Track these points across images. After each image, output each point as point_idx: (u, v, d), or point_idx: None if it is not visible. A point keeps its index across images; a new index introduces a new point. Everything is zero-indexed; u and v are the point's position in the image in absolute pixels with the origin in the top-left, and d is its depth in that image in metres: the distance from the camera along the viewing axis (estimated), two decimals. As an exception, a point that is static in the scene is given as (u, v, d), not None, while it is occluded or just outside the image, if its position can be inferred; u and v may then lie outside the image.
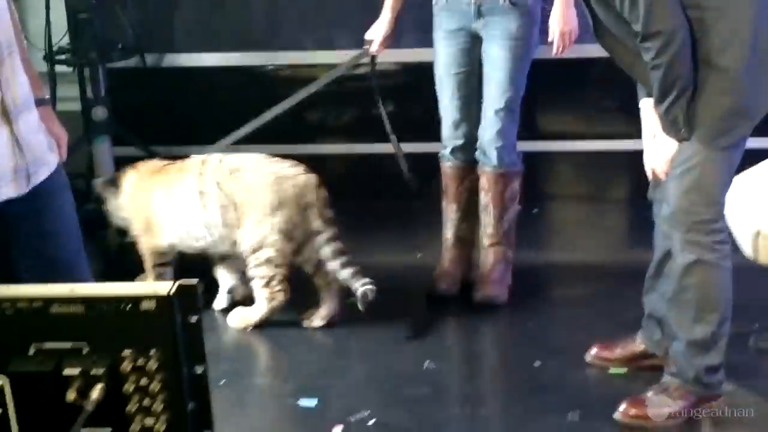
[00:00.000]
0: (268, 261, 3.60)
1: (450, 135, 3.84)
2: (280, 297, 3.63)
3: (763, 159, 3.35)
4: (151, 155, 4.59)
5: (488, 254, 3.86)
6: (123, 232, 3.91)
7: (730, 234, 2.96)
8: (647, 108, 2.93)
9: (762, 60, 2.73)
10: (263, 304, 3.65)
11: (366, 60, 3.99)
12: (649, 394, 3.04)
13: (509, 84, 3.67)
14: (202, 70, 4.89)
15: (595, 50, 4.26)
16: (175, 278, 1.55)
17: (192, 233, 3.70)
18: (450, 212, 3.91)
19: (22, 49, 2.37)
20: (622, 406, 3.03)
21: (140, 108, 4.80)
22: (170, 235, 3.75)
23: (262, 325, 3.69)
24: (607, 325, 3.57)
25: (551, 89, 4.42)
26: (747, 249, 3.08)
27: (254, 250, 3.60)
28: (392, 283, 4.01)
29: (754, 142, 2.91)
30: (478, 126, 3.76)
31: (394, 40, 3.91)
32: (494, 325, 3.78)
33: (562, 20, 3.67)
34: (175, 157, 4.59)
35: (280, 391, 3.38)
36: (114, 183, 3.87)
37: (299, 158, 3.82)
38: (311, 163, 3.91)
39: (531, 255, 4.13)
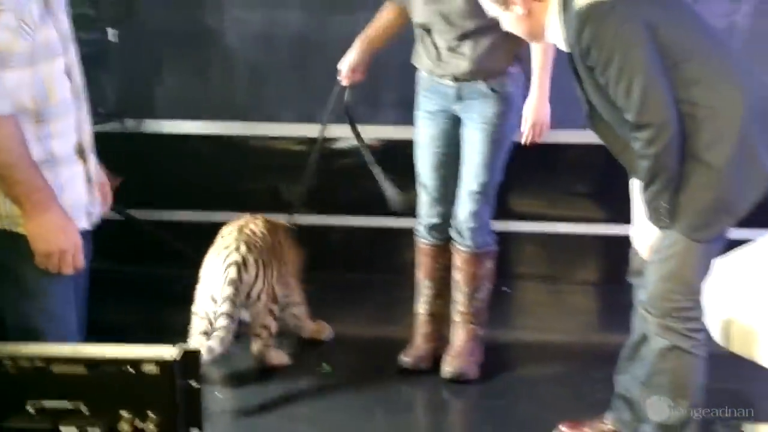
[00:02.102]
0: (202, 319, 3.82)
1: (426, 213, 3.90)
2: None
3: (736, 248, 3.43)
4: (127, 218, 4.62)
5: (459, 331, 3.90)
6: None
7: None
8: (638, 189, 2.98)
9: (748, 159, 2.79)
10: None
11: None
12: (617, 474, 3.07)
13: (483, 168, 3.71)
14: (180, 137, 4.94)
15: (569, 136, 4.42)
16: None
17: None
18: (424, 287, 3.96)
19: None
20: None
21: (118, 172, 4.82)
22: None
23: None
24: (576, 405, 3.61)
25: (525, 171, 4.50)
26: (718, 336, 3.15)
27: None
28: (365, 355, 4.07)
29: (732, 234, 2.96)
30: (454, 205, 3.82)
31: (365, 73, 3.92)
32: (464, 401, 3.81)
33: (535, 112, 3.73)
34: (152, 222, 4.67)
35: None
36: None
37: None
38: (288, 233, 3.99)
39: (501, 333, 4.19)
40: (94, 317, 4.05)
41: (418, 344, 3.94)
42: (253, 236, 3.91)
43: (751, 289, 3.25)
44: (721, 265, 3.17)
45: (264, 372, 3.72)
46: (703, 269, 2.92)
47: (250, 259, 3.81)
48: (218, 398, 3.70)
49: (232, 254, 3.80)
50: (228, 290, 3.73)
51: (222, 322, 3.68)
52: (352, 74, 3.91)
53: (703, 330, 2.97)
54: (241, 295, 3.76)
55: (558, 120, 3.86)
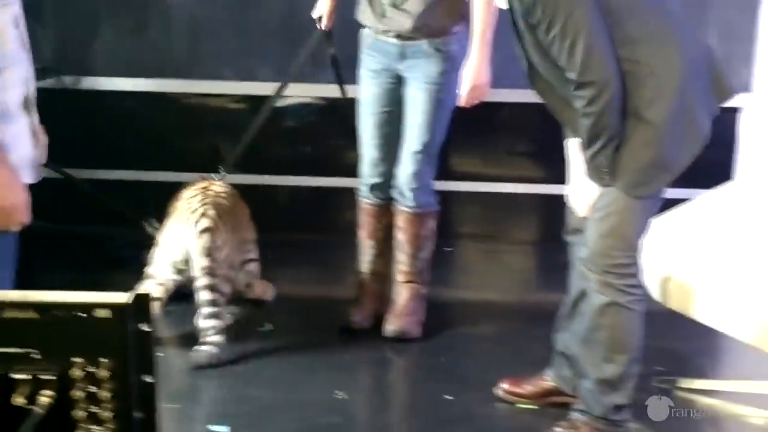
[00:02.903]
0: (159, 284, 3.82)
1: (368, 173, 3.89)
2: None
3: (674, 207, 3.49)
4: (64, 177, 4.55)
5: (402, 290, 3.91)
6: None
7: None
8: (574, 148, 3.01)
9: (686, 117, 2.84)
10: None
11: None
12: (557, 430, 3.12)
13: (427, 127, 3.71)
14: (119, 94, 4.86)
15: (507, 95, 4.44)
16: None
17: None
18: (366, 247, 3.96)
19: None
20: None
21: (55, 129, 4.74)
22: None
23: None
24: (516, 362, 3.65)
25: (463, 131, 4.52)
26: (656, 293, 3.20)
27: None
28: (306, 315, 4.07)
29: (669, 193, 3.01)
30: (396, 165, 3.82)
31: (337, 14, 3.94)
32: (406, 359, 3.84)
33: (475, 73, 3.66)
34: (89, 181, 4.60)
35: (190, 417, 3.35)
36: None
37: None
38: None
39: (443, 292, 4.21)
40: (28, 278, 4.01)
41: (361, 303, 3.95)
42: (217, 197, 3.84)
43: (688, 246, 3.32)
44: (659, 223, 3.23)
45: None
46: (642, 226, 2.96)
47: (220, 224, 3.73)
48: (161, 358, 3.67)
49: (203, 220, 3.69)
50: (205, 261, 3.62)
51: (205, 296, 3.58)
52: (328, 21, 3.92)
53: (641, 286, 3.02)
54: (218, 263, 3.66)
55: (496, 79, 3.86)
